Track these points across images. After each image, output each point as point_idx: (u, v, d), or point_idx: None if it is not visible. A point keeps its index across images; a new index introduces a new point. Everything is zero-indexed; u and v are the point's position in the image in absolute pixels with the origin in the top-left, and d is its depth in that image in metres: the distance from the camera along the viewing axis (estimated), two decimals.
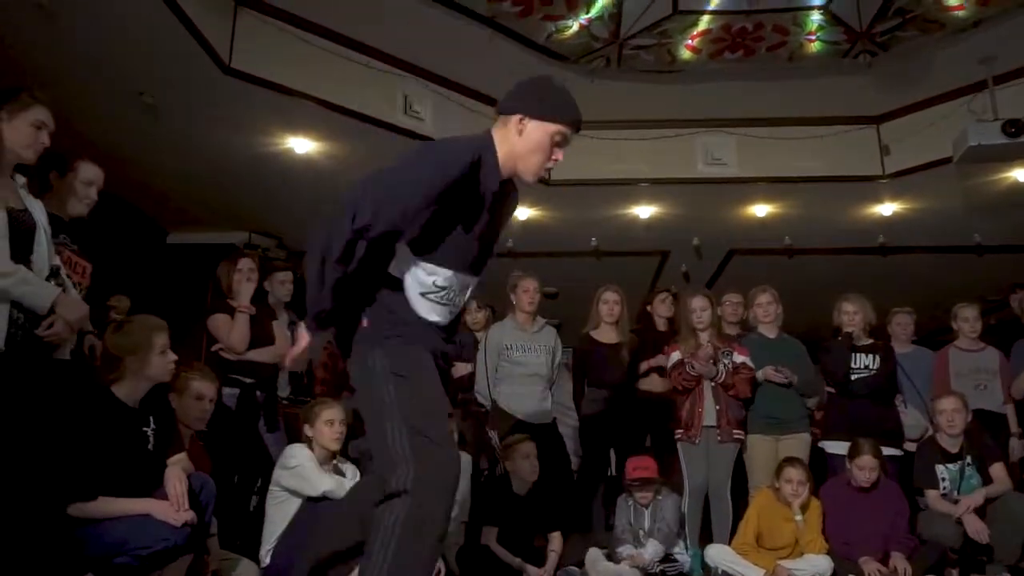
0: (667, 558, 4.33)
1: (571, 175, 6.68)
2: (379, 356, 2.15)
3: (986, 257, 7.96)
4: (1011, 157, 5.92)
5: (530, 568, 4.11)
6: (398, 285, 2.22)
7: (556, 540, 4.32)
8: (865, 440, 4.32)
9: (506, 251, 7.70)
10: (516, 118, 2.18)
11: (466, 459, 4.89)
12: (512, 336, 4.83)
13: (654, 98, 6.48)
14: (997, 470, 4.38)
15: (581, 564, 4.34)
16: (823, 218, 7.34)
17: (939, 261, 8.12)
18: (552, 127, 2.19)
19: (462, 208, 2.16)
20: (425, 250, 2.19)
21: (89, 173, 3.15)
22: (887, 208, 7.15)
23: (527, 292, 4.86)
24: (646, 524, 4.46)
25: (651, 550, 4.25)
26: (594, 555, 4.34)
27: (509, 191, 2.35)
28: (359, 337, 2.21)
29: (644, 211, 7.27)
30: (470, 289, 2.34)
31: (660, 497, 4.52)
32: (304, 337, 2.31)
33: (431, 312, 2.25)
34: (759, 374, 4.74)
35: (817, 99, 6.49)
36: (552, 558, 4.21)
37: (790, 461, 4.36)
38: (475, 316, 5.36)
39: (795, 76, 6.27)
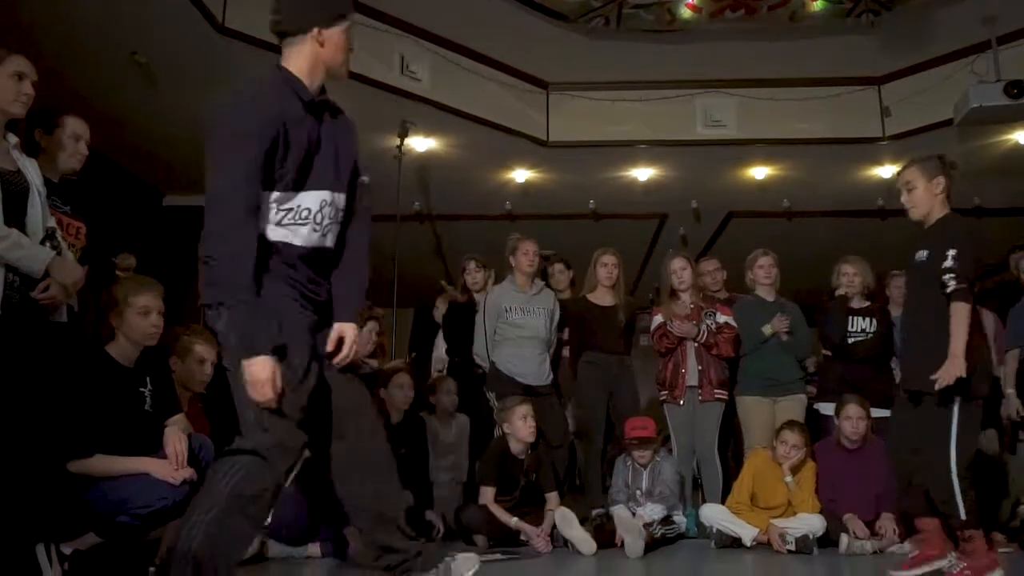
0: (666, 520, 4.35)
1: (569, 137, 6.63)
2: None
3: (985, 220, 7.92)
4: (1013, 119, 5.87)
5: (527, 527, 4.17)
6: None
7: (553, 500, 4.36)
8: (851, 395, 4.35)
9: (504, 213, 7.66)
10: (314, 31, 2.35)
11: (464, 420, 4.93)
12: (511, 298, 4.83)
13: (653, 58, 6.39)
14: (989, 435, 4.42)
15: (582, 522, 4.35)
16: (822, 181, 7.29)
17: None
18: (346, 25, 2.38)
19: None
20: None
21: (76, 127, 3.08)
22: (887, 171, 7.09)
23: (527, 255, 4.84)
24: (644, 484, 4.49)
25: (648, 510, 4.28)
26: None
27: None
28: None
29: (642, 173, 7.21)
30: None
31: (659, 458, 4.54)
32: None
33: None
34: (766, 329, 4.75)
35: (818, 60, 6.39)
36: (549, 518, 4.25)
37: (791, 424, 4.39)
38: (474, 276, 5.35)
39: (796, 36, 6.18)
